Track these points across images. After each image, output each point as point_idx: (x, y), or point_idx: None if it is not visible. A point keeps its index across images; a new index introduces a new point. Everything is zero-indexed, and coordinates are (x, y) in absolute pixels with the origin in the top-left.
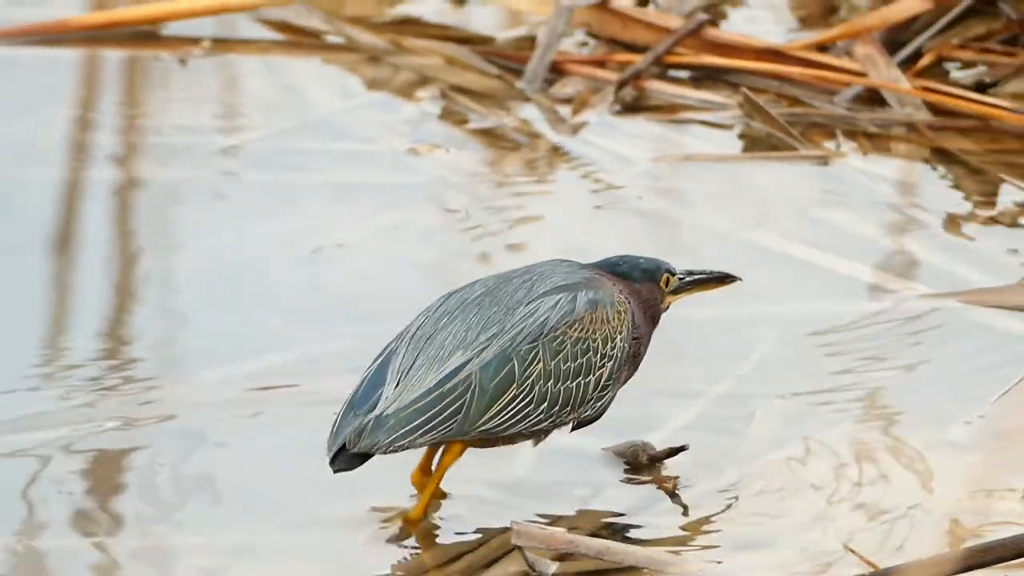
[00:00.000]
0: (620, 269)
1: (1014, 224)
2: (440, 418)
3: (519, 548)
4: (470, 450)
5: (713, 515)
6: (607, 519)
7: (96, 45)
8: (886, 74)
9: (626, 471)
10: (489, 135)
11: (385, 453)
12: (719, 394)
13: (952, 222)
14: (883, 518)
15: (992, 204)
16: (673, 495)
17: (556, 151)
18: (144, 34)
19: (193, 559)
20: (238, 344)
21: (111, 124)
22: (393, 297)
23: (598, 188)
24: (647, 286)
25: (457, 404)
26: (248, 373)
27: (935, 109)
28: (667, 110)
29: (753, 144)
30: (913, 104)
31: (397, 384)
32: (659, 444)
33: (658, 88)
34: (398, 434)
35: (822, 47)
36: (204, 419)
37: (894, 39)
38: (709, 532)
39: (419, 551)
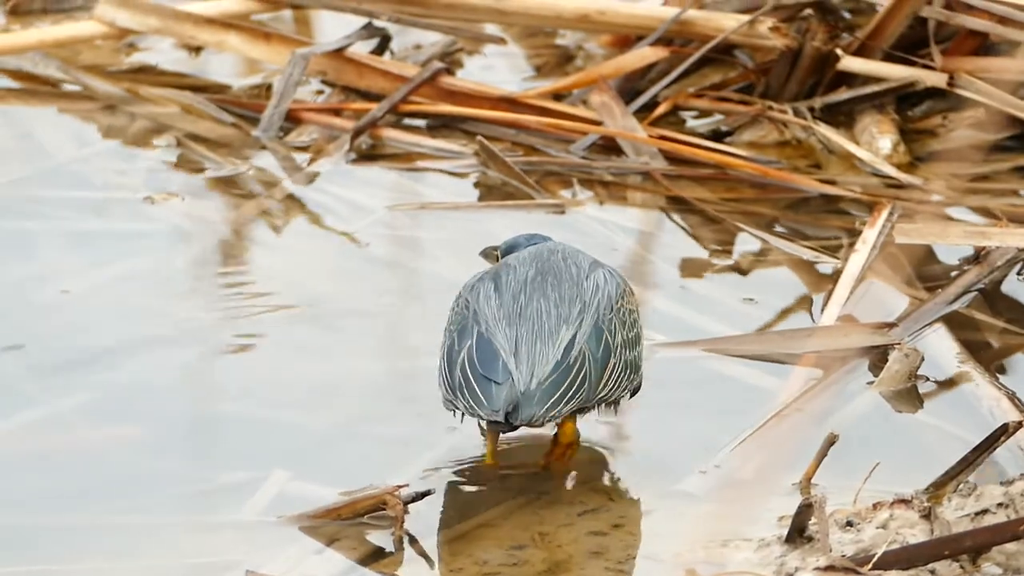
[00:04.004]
0: None
1: (750, 273)
2: (574, 388)
3: None
4: (187, 498)
5: (448, 566)
6: (342, 568)
7: None
8: (622, 123)
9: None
10: (225, 183)
11: (532, 425)
12: (449, 446)
13: (688, 271)
14: (618, 568)
15: (728, 253)
16: (410, 543)
17: (292, 199)
18: None
19: None
20: None
21: None
22: (127, 346)
23: (333, 236)
24: None
25: (582, 374)
26: None
27: (671, 158)
28: (403, 158)
29: (489, 192)
30: (649, 153)
31: (516, 357)
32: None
33: (394, 136)
34: (548, 404)
35: (558, 96)
36: None
37: (630, 88)
38: None
39: None
